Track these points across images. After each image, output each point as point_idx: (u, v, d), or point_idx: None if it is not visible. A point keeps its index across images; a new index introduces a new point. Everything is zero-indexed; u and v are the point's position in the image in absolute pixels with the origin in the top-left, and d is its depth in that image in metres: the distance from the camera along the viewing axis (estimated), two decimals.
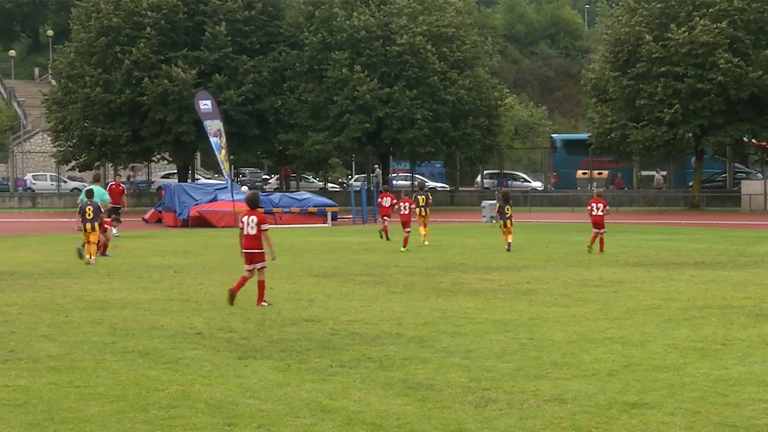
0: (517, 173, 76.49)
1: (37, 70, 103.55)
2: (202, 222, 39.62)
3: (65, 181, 74.95)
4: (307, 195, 46.90)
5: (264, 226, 15.26)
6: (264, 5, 61.09)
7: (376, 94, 57.40)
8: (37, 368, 10.41)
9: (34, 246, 29.58)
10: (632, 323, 13.27)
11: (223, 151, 41.20)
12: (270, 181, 79.75)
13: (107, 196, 27.26)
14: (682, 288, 17.39)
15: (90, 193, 23.85)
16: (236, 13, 59.42)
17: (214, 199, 40.98)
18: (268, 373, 10.15)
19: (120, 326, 13.16)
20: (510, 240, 26.10)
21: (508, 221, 26.32)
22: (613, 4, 74.07)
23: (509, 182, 71.03)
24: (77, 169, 65.06)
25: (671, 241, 29.63)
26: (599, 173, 70.95)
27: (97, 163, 63.50)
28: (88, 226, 22.92)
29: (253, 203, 15.68)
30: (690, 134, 55.02)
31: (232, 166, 52.78)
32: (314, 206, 43.29)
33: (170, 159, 67.16)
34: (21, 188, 73.52)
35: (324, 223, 42.04)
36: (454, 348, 11.47)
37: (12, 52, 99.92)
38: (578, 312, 14.35)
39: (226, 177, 42.22)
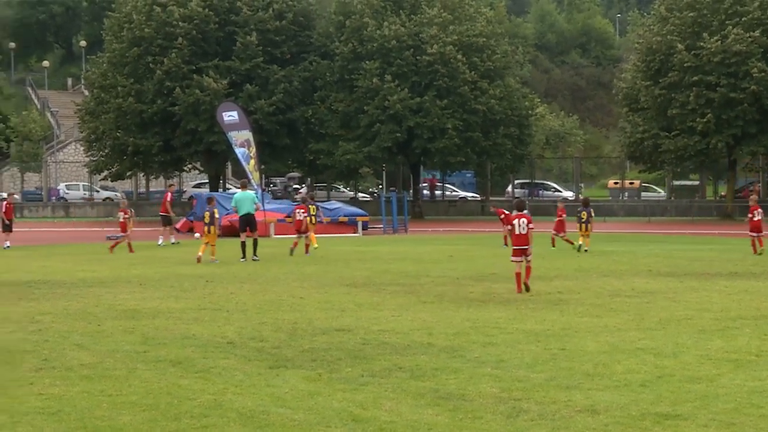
0: (549, 183, 76.29)
1: (70, 81, 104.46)
2: (233, 231, 39.67)
3: (98, 191, 75.50)
4: (338, 204, 47.04)
5: (530, 226, 18.35)
6: (295, 15, 61.28)
7: (407, 103, 57.41)
8: (70, 377, 10.46)
9: (67, 255, 29.79)
10: (665, 334, 13.17)
11: (252, 161, 41.11)
12: (301, 190, 79.77)
13: (257, 202, 29.43)
14: (715, 298, 17.24)
15: (242, 198, 27.51)
16: (267, 23, 59.64)
17: None
18: (300, 382, 10.15)
19: (152, 335, 13.21)
20: (582, 242, 28.89)
21: (584, 225, 29.16)
22: (645, 13, 73.70)
23: (540, 192, 70.80)
24: (109, 179, 65.48)
25: (704, 251, 29.42)
26: (630, 183, 70.64)
27: (128, 173, 64.01)
28: (206, 229, 26.31)
29: (521, 207, 18.95)
30: (723, 144, 54.66)
31: (263, 176, 52.65)
32: (345, 216, 43.35)
33: (201, 169, 67.45)
34: (54, 198, 74.11)
35: (354, 233, 42.06)
36: (486, 358, 11.42)
37: (46, 63, 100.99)
38: (610, 322, 14.26)
39: (255, 187, 42.29)
